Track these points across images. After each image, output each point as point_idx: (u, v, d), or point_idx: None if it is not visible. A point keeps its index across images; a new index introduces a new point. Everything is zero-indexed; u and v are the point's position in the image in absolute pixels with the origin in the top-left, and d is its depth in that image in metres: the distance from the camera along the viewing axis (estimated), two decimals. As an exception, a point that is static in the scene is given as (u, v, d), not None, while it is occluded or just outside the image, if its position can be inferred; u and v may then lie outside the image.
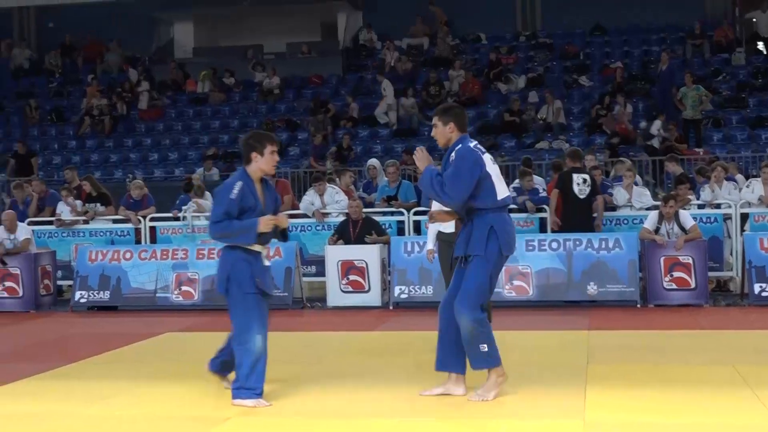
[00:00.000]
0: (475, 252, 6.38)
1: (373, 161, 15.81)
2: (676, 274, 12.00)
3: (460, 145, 6.48)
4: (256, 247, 6.52)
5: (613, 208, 13.65)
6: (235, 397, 6.50)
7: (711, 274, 12.72)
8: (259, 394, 6.48)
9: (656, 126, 20.15)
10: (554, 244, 12.28)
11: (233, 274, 6.47)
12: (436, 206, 8.71)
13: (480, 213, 6.42)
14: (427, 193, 6.66)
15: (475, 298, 6.36)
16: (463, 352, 6.54)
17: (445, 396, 6.63)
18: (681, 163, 18.72)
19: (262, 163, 6.52)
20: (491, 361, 6.46)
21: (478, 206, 6.42)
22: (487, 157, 6.54)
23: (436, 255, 8.96)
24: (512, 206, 13.88)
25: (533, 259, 12.29)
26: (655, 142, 19.99)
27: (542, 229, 13.51)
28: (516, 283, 12.27)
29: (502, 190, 6.50)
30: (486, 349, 6.39)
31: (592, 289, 12.05)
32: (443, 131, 6.57)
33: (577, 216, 12.85)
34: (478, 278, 6.38)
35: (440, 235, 8.64)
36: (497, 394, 6.49)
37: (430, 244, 9.02)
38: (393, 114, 23.27)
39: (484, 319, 6.41)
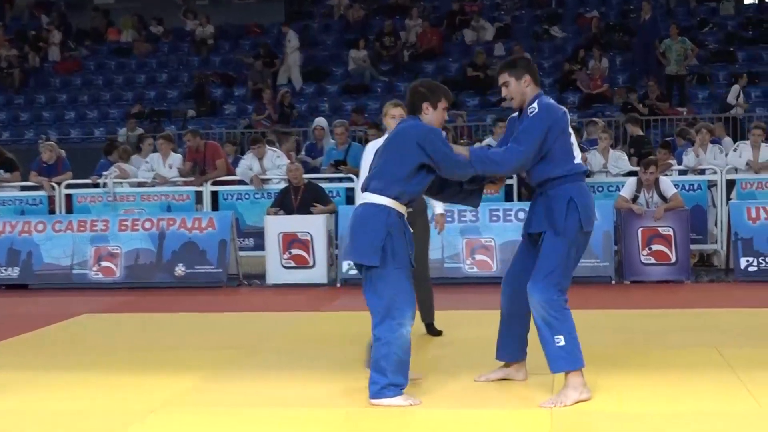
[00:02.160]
0: (554, 229, 6.10)
1: (320, 121, 15.73)
2: (655, 247, 12.11)
3: (538, 100, 6.22)
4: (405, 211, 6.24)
5: (587, 174, 13.70)
6: (376, 396, 6.05)
7: (693, 247, 12.86)
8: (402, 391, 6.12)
9: (733, 93, 20.02)
10: (521, 214, 12.32)
11: (391, 244, 6.01)
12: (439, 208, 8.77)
13: (556, 182, 6.12)
14: (462, 174, 6.17)
15: (552, 277, 6.03)
16: (523, 338, 6.52)
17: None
18: (663, 123, 18.92)
19: (433, 117, 6.27)
20: (570, 361, 6.03)
21: (555, 174, 6.12)
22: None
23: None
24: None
25: (498, 231, 12.33)
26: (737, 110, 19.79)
27: (508, 197, 13.55)
28: (478, 257, 12.31)
29: (578, 155, 6.25)
30: (562, 344, 6.00)
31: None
32: (518, 87, 6.26)
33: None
34: (558, 256, 6.06)
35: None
36: (577, 400, 6.04)
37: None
38: (298, 78, 23.06)
39: (560, 304, 6.04)
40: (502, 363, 6.68)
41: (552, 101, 6.32)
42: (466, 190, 6.40)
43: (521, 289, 6.25)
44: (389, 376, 6.00)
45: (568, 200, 6.10)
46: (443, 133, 6.23)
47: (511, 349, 6.59)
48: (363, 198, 6.15)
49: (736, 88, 19.78)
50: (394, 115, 8.31)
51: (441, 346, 8.32)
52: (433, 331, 8.74)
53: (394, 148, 6.11)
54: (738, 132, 18.68)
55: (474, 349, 7.90)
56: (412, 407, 6.03)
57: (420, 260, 8.48)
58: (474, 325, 9.27)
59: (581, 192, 6.18)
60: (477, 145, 12.61)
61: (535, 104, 6.20)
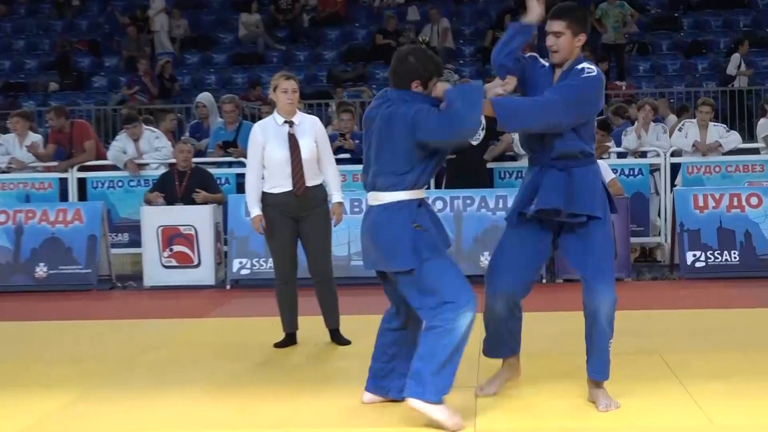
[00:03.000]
0: (598, 213, 6.10)
1: (204, 96, 15.60)
2: (592, 240, 12.24)
3: (586, 62, 6.19)
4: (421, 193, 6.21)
5: (514, 158, 13.83)
6: (418, 396, 5.90)
7: (634, 240, 13.06)
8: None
9: (734, 62, 20.26)
10: (439, 204, 12.38)
11: (420, 240, 6.03)
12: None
13: (585, 161, 6.18)
14: (471, 129, 6.07)
15: (613, 274, 6.18)
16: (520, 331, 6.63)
17: (279, 404, 6.65)
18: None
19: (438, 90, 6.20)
20: (607, 370, 6.39)
21: (587, 149, 6.18)
22: None
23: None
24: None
25: (412, 223, 12.36)
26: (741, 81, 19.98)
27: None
28: (390, 253, 12.32)
29: None
30: (610, 349, 6.30)
31: (485, 260, 12.18)
32: (570, 43, 6.21)
33: (468, 167, 12.96)
34: (610, 248, 6.17)
35: (269, 198, 8.46)
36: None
37: (256, 209, 8.51)
38: (168, 46, 22.89)
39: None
40: (494, 373, 6.74)
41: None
42: None
43: (522, 282, 6.38)
44: (437, 372, 5.88)
45: (602, 182, 6.21)
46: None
47: (511, 343, 6.69)
48: (373, 198, 6.18)
49: (736, 56, 20.08)
50: (285, 88, 8.33)
51: (346, 356, 8.30)
52: (338, 338, 8.72)
53: (387, 138, 6.08)
54: (739, 108, 19.00)
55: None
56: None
57: (320, 257, 8.60)
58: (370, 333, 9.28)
59: (601, 171, 6.37)
60: None
61: (587, 64, 6.16)
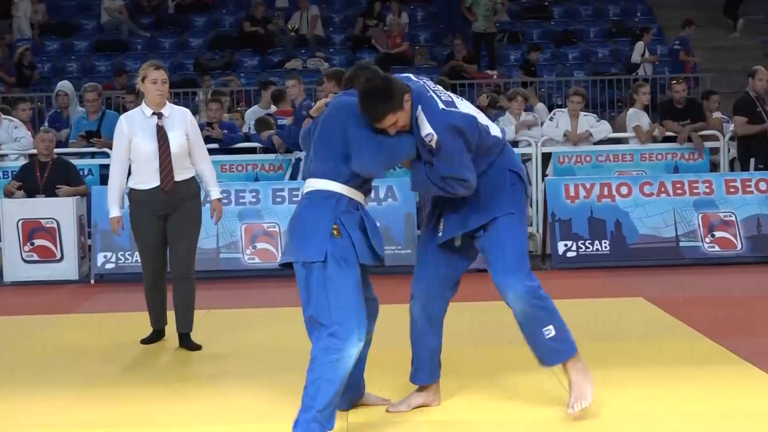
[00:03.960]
0: (505, 211, 6.04)
1: (64, 85, 15.36)
2: (464, 231, 12.36)
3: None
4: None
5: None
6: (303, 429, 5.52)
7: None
8: None
9: (638, 50, 20.46)
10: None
11: (331, 244, 5.73)
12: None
13: (492, 165, 6.07)
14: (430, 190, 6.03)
15: (524, 262, 6.07)
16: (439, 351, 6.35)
17: (152, 404, 6.58)
18: (471, 88, 19.33)
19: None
20: (566, 349, 6.12)
21: (488, 161, 6.06)
22: (445, 95, 6.10)
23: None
24: (260, 144, 13.99)
25: (284, 215, 12.29)
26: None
27: (294, 175, 13.58)
28: (260, 245, 12.31)
29: (487, 121, 6.14)
30: (553, 334, 6.05)
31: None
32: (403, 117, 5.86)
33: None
34: (521, 237, 6.11)
35: (135, 195, 8.19)
36: (592, 391, 6.07)
37: (116, 209, 8.19)
38: (28, 32, 22.50)
39: (541, 290, 6.09)
40: (416, 387, 6.44)
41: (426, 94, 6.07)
42: None
43: (436, 295, 6.23)
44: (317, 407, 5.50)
45: (507, 173, 6.11)
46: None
47: (429, 367, 6.39)
48: (305, 186, 5.94)
49: (640, 44, 20.43)
50: (155, 79, 8.04)
51: (218, 356, 8.24)
52: (188, 343, 8.27)
53: (332, 125, 5.91)
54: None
55: (285, 360, 7.91)
56: None
57: (184, 256, 8.24)
58: (257, 326, 9.26)
59: (511, 155, 6.25)
60: None
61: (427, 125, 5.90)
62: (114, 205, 8.17)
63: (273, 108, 14.95)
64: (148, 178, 8.07)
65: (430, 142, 5.78)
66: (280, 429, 5.80)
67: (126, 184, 8.23)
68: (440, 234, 6.15)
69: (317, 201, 5.77)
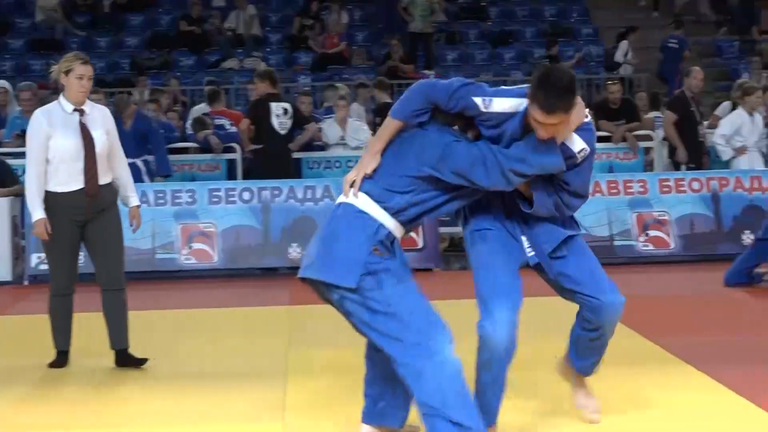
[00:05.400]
0: (575, 230, 5.50)
1: (3, 83, 15.23)
2: (401, 231, 12.37)
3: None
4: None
5: (322, 148, 13.88)
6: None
7: (443, 230, 13.25)
8: None
9: (622, 49, 20.50)
10: (246, 195, 12.33)
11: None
12: None
13: None
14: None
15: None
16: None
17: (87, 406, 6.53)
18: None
19: None
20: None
21: None
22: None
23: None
24: (193, 145, 13.93)
25: (220, 215, 12.29)
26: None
27: (231, 175, 13.54)
28: (196, 246, 12.24)
29: None
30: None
31: (295, 252, 12.21)
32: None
33: (276, 157, 12.98)
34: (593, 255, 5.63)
35: (51, 198, 7.44)
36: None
37: (39, 211, 7.45)
38: None
39: None
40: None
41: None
42: None
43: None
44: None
45: None
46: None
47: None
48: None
49: (624, 44, 20.57)
50: (81, 74, 7.40)
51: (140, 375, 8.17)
52: (127, 360, 7.61)
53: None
54: (626, 93, 19.41)
55: (189, 357, 7.87)
56: None
57: (113, 265, 7.61)
58: (192, 327, 9.23)
59: None
60: None
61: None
62: (37, 207, 7.41)
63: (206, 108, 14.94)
64: (68, 180, 7.41)
65: (582, 158, 5.21)
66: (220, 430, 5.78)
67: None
68: (531, 253, 5.39)
69: (354, 219, 5.15)
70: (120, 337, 7.57)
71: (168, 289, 11.50)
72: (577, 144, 5.16)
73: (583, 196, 5.37)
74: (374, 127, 14.66)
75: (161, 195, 12.18)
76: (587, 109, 5.31)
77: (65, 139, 7.40)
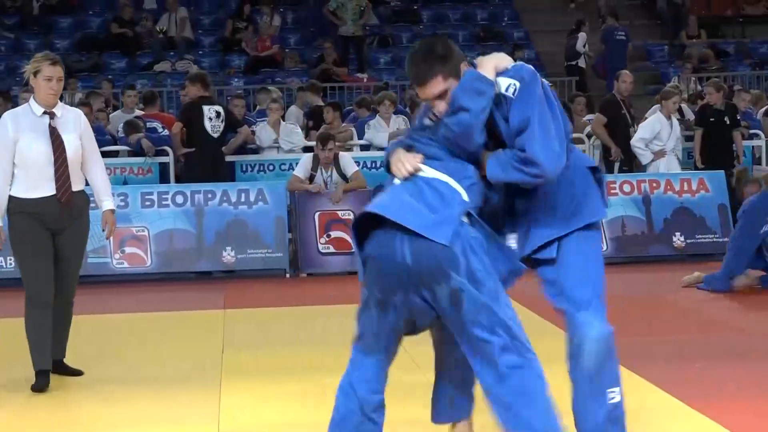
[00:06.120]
0: (586, 220, 4.84)
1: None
2: (335, 233, 12.39)
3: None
4: None
5: (256, 151, 13.84)
6: None
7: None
8: None
9: (582, 40, 20.69)
10: (179, 198, 12.28)
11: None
12: None
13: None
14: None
15: (603, 295, 4.91)
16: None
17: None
18: (341, 91, 19.38)
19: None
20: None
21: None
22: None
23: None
24: (125, 147, 13.82)
25: (153, 219, 12.22)
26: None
27: (163, 178, 13.46)
28: (129, 250, 12.15)
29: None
30: (617, 400, 4.85)
31: (228, 255, 12.19)
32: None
33: (208, 160, 12.92)
34: (600, 258, 4.95)
35: (22, 205, 7.15)
36: None
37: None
38: None
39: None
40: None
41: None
42: None
43: None
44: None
45: (586, 171, 4.92)
46: None
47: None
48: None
49: (583, 35, 20.72)
50: (50, 76, 7.06)
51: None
52: (64, 369, 7.41)
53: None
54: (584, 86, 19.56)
55: (132, 363, 7.82)
56: None
57: (71, 280, 7.40)
58: (125, 332, 9.17)
59: (578, 151, 5.08)
60: None
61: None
62: None
63: (138, 111, 14.85)
64: (40, 186, 7.10)
65: (513, 93, 4.63)
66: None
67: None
68: (517, 247, 4.86)
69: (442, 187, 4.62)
70: (59, 349, 7.35)
71: (100, 293, 11.39)
72: (502, 84, 4.65)
73: (536, 139, 4.53)
74: (307, 130, 14.66)
75: (92, 198, 12.09)
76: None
77: (34, 144, 7.09)
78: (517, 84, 4.64)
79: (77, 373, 7.41)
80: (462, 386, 5.08)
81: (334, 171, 12.52)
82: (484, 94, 4.61)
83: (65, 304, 7.33)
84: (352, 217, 12.42)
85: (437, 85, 4.63)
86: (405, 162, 4.66)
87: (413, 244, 4.44)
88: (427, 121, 4.81)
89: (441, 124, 4.67)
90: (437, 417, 5.19)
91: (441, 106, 4.66)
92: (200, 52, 21.87)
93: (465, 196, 4.55)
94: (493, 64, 4.75)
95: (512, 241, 4.88)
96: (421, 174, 4.62)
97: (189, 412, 6.43)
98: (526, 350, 4.53)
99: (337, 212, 12.42)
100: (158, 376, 7.40)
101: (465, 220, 4.49)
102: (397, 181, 4.69)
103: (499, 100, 4.64)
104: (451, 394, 5.11)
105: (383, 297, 4.63)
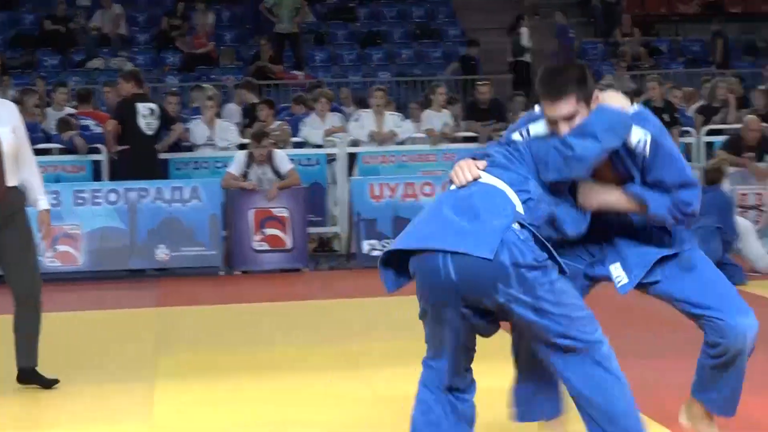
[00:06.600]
0: (676, 248, 4.88)
1: None
2: (269, 231, 12.37)
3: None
4: None
5: (190, 149, 13.77)
6: None
7: (312, 230, 13.26)
8: None
9: (525, 35, 20.73)
10: (112, 196, 12.20)
11: None
12: None
13: None
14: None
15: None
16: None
17: None
18: (277, 89, 19.34)
19: None
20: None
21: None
22: None
23: None
24: (58, 145, 13.69)
25: (85, 217, 12.14)
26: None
27: (96, 176, 13.35)
28: (61, 248, 12.06)
29: None
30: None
31: (162, 253, 12.14)
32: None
33: (143, 158, 12.84)
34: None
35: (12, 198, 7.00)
36: None
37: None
38: None
39: None
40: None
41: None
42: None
43: None
44: None
45: None
46: None
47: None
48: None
49: (526, 31, 20.84)
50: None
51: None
52: (35, 378, 6.98)
53: None
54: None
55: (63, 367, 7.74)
56: None
57: (26, 276, 7.03)
58: (60, 331, 9.08)
59: None
60: None
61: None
62: None
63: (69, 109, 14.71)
64: None
65: (648, 147, 4.60)
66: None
67: None
68: (621, 282, 4.82)
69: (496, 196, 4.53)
70: (29, 355, 6.92)
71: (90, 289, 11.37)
72: (633, 135, 4.57)
73: (690, 184, 4.63)
74: (243, 127, 14.60)
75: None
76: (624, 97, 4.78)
77: None
78: (647, 138, 4.58)
79: (52, 382, 6.97)
80: (547, 383, 4.94)
81: (269, 168, 12.48)
82: (618, 137, 4.53)
83: (30, 308, 6.90)
84: (288, 215, 12.40)
85: (569, 105, 4.52)
86: (465, 169, 4.57)
87: (455, 261, 4.34)
88: (515, 136, 4.70)
89: (554, 137, 4.53)
90: (522, 416, 5.06)
91: (564, 129, 4.53)
92: (135, 49, 21.69)
93: (520, 208, 4.44)
94: (620, 106, 4.65)
95: (614, 272, 4.83)
96: (479, 180, 4.52)
97: (122, 413, 6.37)
98: (590, 344, 4.42)
99: (272, 209, 12.39)
100: (90, 377, 7.31)
101: (516, 226, 4.37)
102: (453, 187, 4.57)
103: (633, 152, 4.60)
104: (535, 391, 4.99)
105: (435, 312, 4.54)
